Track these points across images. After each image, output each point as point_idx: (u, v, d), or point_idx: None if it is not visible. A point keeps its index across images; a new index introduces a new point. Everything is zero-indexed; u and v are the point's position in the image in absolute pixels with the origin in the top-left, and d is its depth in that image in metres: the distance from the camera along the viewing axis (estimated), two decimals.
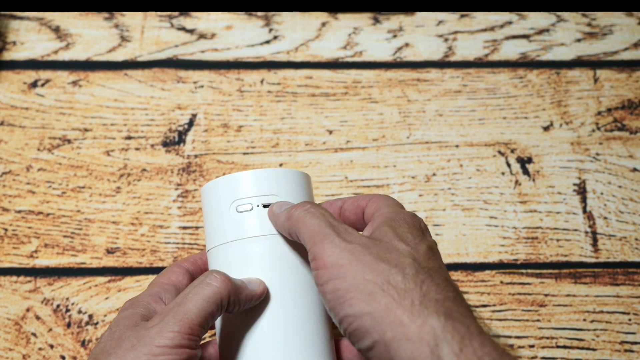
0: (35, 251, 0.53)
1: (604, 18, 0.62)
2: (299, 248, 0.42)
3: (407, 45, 0.61)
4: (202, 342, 0.44)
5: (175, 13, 0.62)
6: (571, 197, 0.55)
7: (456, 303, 0.35)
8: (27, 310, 0.51)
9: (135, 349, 0.35)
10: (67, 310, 0.51)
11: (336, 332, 0.44)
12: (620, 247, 0.53)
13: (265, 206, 0.42)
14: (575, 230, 0.54)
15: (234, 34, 0.62)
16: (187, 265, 0.44)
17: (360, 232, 0.41)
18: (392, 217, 0.40)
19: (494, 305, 0.52)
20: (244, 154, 0.57)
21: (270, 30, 0.62)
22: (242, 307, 0.39)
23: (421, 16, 0.62)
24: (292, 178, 0.43)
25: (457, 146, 0.57)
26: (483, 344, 0.33)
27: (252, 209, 0.41)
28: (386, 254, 0.36)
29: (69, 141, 0.57)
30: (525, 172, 0.56)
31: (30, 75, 0.59)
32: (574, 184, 0.56)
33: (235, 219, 0.41)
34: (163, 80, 0.59)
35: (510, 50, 0.61)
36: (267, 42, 0.61)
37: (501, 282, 0.52)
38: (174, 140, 0.57)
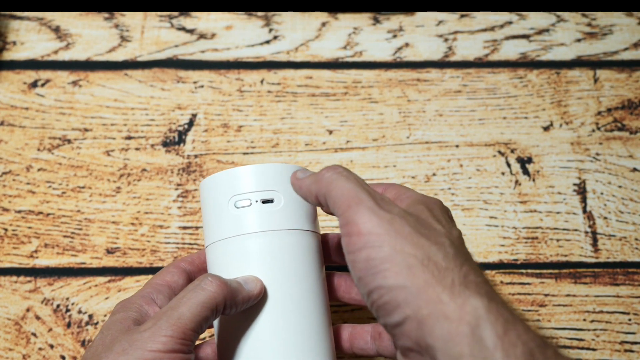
0: (35, 251, 0.53)
1: (604, 18, 0.62)
2: (299, 244, 0.41)
3: (407, 45, 0.61)
4: (200, 342, 0.44)
5: (175, 13, 0.62)
6: (571, 197, 0.55)
7: (494, 290, 0.34)
8: (27, 310, 0.51)
9: (127, 353, 0.35)
10: (67, 310, 0.51)
11: (335, 327, 0.45)
12: (620, 247, 0.53)
13: (264, 202, 0.41)
14: (575, 230, 0.54)
15: (234, 34, 0.62)
16: (184, 265, 0.44)
17: None
18: (424, 199, 0.38)
19: None
20: (244, 154, 0.57)
21: (270, 30, 0.62)
22: (239, 309, 0.38)
23: (421, 16, 0.62)
24: (291, 173, 0.43)
25: (457, 146, 0.57)
26: (527, 330, 0.32)
27: (251, 204, 0.41)
28: (425, 230, 0.35)
29: (69, 141, 0.57)
30: (525, 172, 0.56)
31: (30, 75, 0.59)
32: (574, 184, 0.56)
33: (233, 214, 0.41)
34: (163, 80, 0.59)
35: (510, 50, 0.61)
36: (267, 42, 0.61)
37: (501, 282, 0.52)
38: (174, 140, 0.57)
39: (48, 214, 0.54)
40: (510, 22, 0.62)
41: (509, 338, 0.31)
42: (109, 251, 0.53)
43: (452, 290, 0.32)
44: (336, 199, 0.36)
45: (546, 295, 0.52)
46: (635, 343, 0.50)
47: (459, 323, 0.31)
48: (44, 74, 0.59)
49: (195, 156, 0.56)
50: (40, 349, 0.50)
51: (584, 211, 0.55)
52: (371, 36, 0.62)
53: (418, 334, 0.32)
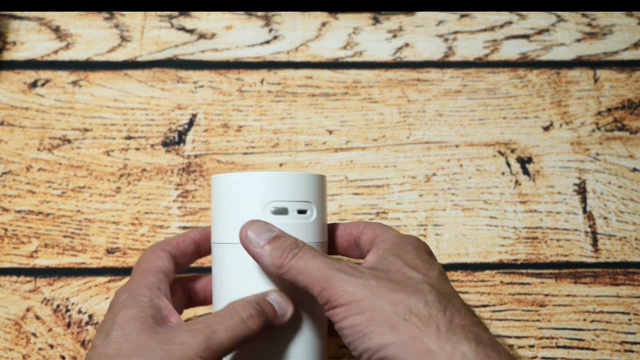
0: (35, 251, 0.53)
1: (604, 18, 0.62)
2: None
3: (407, 45, 0.61)
4: (190, 275, 0.45)
5: (175, 13, 0.62)
6: (571, 197, 0.55)
7: (482, 329, 0.34)
8: (27, 310, 0.51)
9: None
10: (67, 310, 0.51)
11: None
12: (620, 247, 0.53)
13: (299, 212, 0.40)
14: (575, 230, 0.54)
15: (234, 34, 0.62)
16: (170, 249, 0.43)
17: (363, 260, 0.40)
18: (396, 243, 0.39)
19: (494, 305, 0.52)
20: (244, 154, 0.57)
21: (270, 30, 0.62)
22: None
23: (421, 16, 0.62)
24: (322, 184, 0.42)
25: (457, 146, 0.57)
26: None
27: (289, 213, 0.40)
28: (400, 284, 0.35)
29: (69, 141, 0.57)
30: (525, 172, 0.56)
31: (30, 75, 0.59)
32: (574, 184, 0.56)
33: (268, 220, 0.40)
34: (163, 80, 0.59)
35: (510, 50, 0.61)
36: (267, 42, 0.61)
37: (501, 282, 0.52)
38: (174, 140, 0.57)
39: (48, 214, 0.54)
40: (510, 22, 0.62)
41: None
42: (109, 251, 0.53)
43: (439, 337, 0.33)
44: (306, 283, 0.37)
45: (546, 295, 0.52)
46: (635, 343, 0.50)
47: None
48: (44, 74, 0.59)
49: (195, 156, 0.56)
50: (40, 349, 0.50)
51: (584, 211, 0.55)
52: (371, 36, 0.62)
53: None
